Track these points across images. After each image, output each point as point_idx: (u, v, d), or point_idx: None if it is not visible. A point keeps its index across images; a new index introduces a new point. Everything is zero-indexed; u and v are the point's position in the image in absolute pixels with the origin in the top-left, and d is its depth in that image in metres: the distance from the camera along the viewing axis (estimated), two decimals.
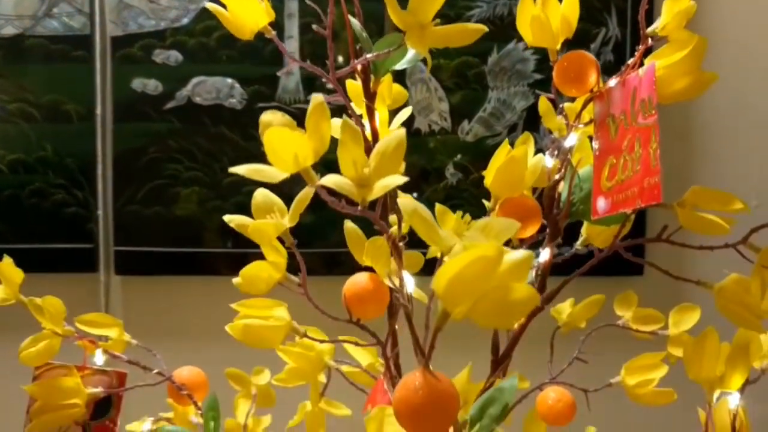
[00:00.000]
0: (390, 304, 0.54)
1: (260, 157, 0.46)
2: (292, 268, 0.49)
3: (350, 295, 0.51)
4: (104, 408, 0.57)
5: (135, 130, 0.99)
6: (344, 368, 0.65)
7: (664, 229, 0.52)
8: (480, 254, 0.31)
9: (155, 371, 0.60)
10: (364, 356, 0.66)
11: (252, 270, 0.48)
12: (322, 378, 0.67)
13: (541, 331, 0.63)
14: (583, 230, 0.59)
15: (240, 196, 0.97)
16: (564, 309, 0.71)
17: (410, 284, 0.44)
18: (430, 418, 0.36)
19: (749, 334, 0.54)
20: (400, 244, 0.41)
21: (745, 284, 0.50)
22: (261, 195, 0.48)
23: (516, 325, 0.57)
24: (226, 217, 0.45)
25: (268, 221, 0.45)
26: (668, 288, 0.66)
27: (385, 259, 0.50)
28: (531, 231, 0.57)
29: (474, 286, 0.32)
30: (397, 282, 0.51)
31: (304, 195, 0.43)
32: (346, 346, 0.65)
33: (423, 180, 1.04)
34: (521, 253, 0.32)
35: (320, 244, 0.94)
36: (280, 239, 0.50)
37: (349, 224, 0.52)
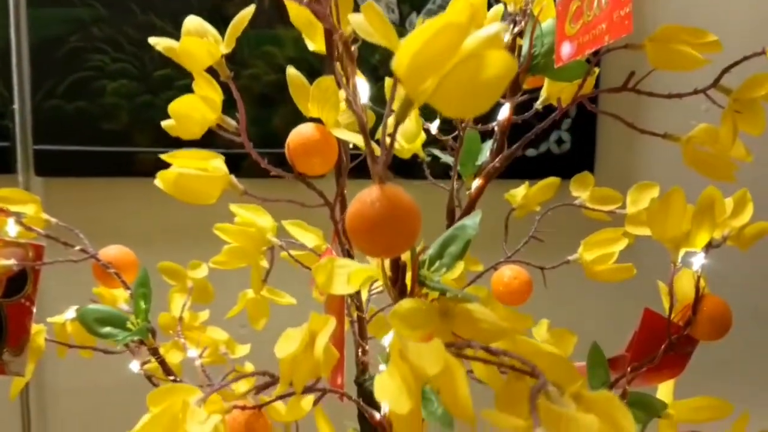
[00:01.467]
0: (338, 160, 0.50)
1: None
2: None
3: (294, 146, 0.46)
4: (19, 285, 0.51)
5: (53, 16, 0.90)
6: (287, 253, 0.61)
7: (630, 77, 0.49)
8: (447, 22, 0.27)
9: (78, 248, 0.55)
10: (310, 238, 0.61)
11: (182, 107, 0.42)
12: (264, 263, 0.62)
13: (495, 216, 0.60)
14: (544, 89, 0.55)
15: (173, 91, 0.90)
16: (519, 192, 0.68)
17: (364, 93, 0.40)
18: (389, 232, 0.31)
19: (714, 194, 0.52)
20: (353, 47, 0.36)
21: (713, 133, 0.48)
22: (193, 21, 0.42)
23: (473, 188, 0.54)
24: (152, 40, 0.40)
25: (200, 40, 0.39)
26: (619, 185, 0.64)
27: (332, 103, 0.46)
28: None
29: (440, 61, 0.27)
30: (345, 135, 0.46)
31: (246, 13, 0.38)
32: (290, 227, 0.61)
33: None
34: (494, 25, 0.28)
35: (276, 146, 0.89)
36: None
37: (291, 70, 0.47)
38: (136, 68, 0.90)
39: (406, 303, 0.36)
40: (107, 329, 0.52)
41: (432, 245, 0.39)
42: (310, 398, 0.67)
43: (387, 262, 0.38)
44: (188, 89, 0.45)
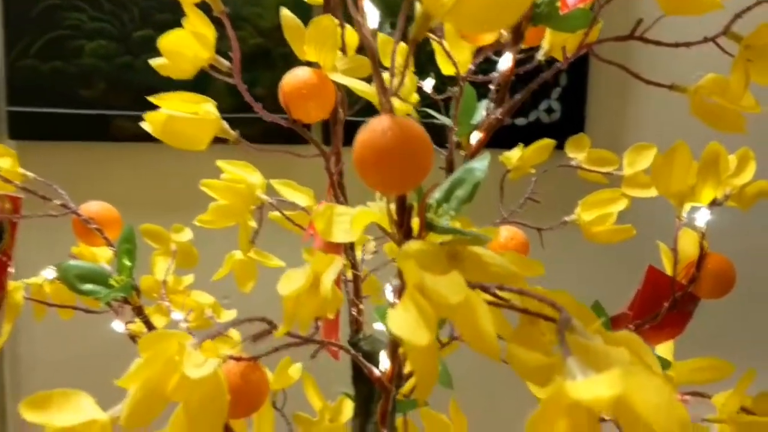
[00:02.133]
0: (334, 108, 0.47)
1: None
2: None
3: (289, 90, 0.44)
4: None
5: None
6: (278, 211, 0.59)
7: (638, 25, 0.47)
8: None
9: (58, 202, 0.52)
10: (300, 198, 0.59)
11: (174, 43, 0.40)
12: (252, 223, 0.60)
13: (487, 184, 0.58)
14: (546, 41, 0.53)
15: (153, 53, 0.86)
16: (513, 155, 0.67)
17: (373, 18, 0.37)
18: (401, 163, 0.30)
19: (718, 149, 0.51)
20: None
21: (722, 83, 0.46)
22: None
23: (474, 141, 0.52)
24: None
25: None
26: (611, 146, 0.63)
27: (330, 45, 0.44)
28: (490, 37, 0.51)
29: None
30: (344, 79, 0.44)
31: None
32: (279, 186, 0.59)
33: None
34: None
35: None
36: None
37: (285, 11, 0.45)
38: (115, 28, 0.87)
39: (414, 244, 0.34)
40: (89, 286, 0.49)
41: (438, 189, 0.37)
42: (298, 366, 0.66)
43: (392, 206, 0.36)
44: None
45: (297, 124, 0.45)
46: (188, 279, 0.65)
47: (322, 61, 0.44)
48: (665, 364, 0.50)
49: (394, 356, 0.44)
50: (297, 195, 0.59)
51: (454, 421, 0.63)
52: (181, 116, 0.41)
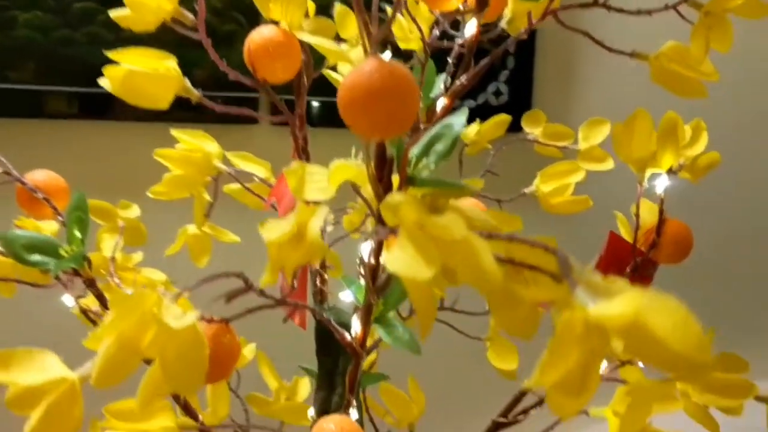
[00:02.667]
0: (299, 72, 0.46)
1: None
2: None
3: (256, 48, 0.42)
4: None
5: None
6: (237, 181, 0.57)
7: None
8: None
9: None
10: (258, 169, 0.58)
11: None
12: (206, 195, 0.58)
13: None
14: (509, 9, 0.53)
15: (94, 26, 0.83)
16: (471, 130, 0.67)
17: None
18: (390, 105, 0.29)
19: (675, 118, 0.52)
20: None
21: (682, 50, 0.47)
22: None
23: (439, 108, 0.51)
24: None
25: None
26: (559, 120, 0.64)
27: (297, 3, 0.42)
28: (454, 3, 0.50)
29: None
30: (311, 38, 0.43)
31: None
32: (235, 159, 0.57)
33: None
34: None
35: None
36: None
37: None
38: None
39: (398, 195, 0.34)
40: (37, 257, 0.46)
41: (416, 145, 0.36)
42: (252, 347, 0.64)
43: (371, 162, 0.35)
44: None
45: (262, 84, 0.43)
46: (137, 257, 0.63)
47: (288, 20, 0.43)
48: None
49: (366, 320, 0.43)
50: (254, 167, 0.57)
51: (413, 397, 0.63)
52: (141, 71, 0.39)
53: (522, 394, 0.51)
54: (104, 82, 0.40)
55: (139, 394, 0.30)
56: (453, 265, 0.26)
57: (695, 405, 0.45)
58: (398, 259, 0.25)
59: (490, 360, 0.60)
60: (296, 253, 0.29)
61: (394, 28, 0.57)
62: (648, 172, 0.50)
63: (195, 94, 0.43)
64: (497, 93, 0.95)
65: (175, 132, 0.53)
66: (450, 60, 0.54)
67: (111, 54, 0.39)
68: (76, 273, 0.48)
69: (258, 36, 0.42)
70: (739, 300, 1.18)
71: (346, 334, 0.43)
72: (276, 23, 0.43)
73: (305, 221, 0.31)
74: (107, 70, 0.39)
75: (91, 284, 0.49)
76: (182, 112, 0.94)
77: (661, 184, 0.51)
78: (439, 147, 0.36)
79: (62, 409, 0.28)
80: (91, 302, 0.50)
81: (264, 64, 0.42)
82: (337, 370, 0.50)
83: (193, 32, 0.40)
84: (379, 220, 0.36)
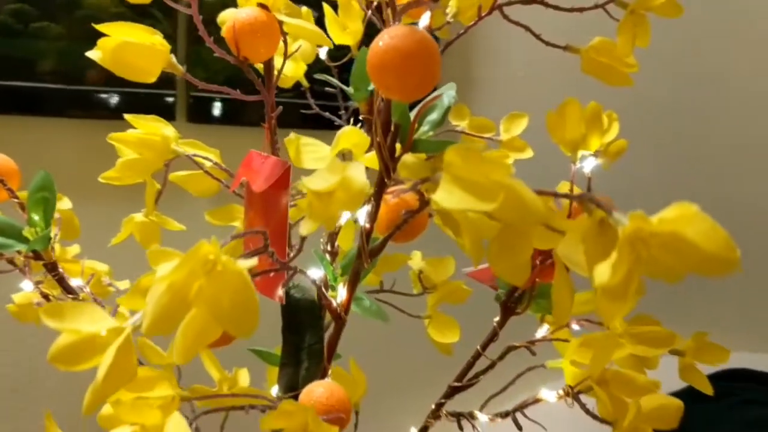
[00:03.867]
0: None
1: None
2: None
3: (241, 26, 0.44)
4: None
5: None
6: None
7: None
8: None
9: None
10: (210, 154, 0.58)
11: None
12: (156, 183, 0.58)
13: None
14: (453, 3, 0.58)
15: (1, 15, 0.78)
16: None
17: None
18: (422, 65, 0.32)
19: (598, 108, 0.58)
20: None
21: (609, 44, 0.54)
22: None
23: None
24: None
25: None
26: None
27: None
28: None
29: None
30: (292, 20, 0.45)
31: None
32: (186, 147, 0.57)
33: None
34: None
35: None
36: None
37: None
38: None
39: (409, 157, 0.37)
40: (2, 239, 0.45)
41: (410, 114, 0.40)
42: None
43: (379, 129, 0.38)
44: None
45: (244, 62, 0.45)
46: (75, 249, 0.61)
47: (270, 2, 0.45)
48: None
49: (353, 286, 0.45)
50: (206, 152, 0.58)
51: (356, 377, 0.65)
52: (134, 43, 0.40)
53: (474, 359, 0.55)
54: (94, 54, 0.40)
55: (179, 346, 0.31)
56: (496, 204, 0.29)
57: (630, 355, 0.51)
58: (454, 198, 0.28)
59: (431, 335, 0.63)
60: (336, 204, 0.31)
61: (329, 24, 0.59)
62: (578, 154, 0.56)
63: (179, 69, 0.43)
64: None
65: (128, 117, 0.53)
66: None
67: (100, 27, 0.40)
68: (36, 257, 0.47)
69: (242, 15, 0.44)
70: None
71: (333, 302, 0.45)
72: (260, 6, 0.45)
73: (345, 174, 0.33)
74: (100, 42, 0.39)
75: (52, 268, 0.47)
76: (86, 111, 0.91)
77: (589, 164, 0.57)
78: (433, 116, 0.40)
79: (124, 357, 0.28)
80: (51, 287, 0.48)
81: (248, 42, 0.44)
82: (303, 345, 0.52)
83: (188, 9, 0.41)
84: (382, 184, 0.39)
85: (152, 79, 0.42)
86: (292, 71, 0.61)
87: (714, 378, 0.79)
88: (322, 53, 0.65)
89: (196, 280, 0.30)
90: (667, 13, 0.51)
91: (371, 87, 0.63)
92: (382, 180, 0.39)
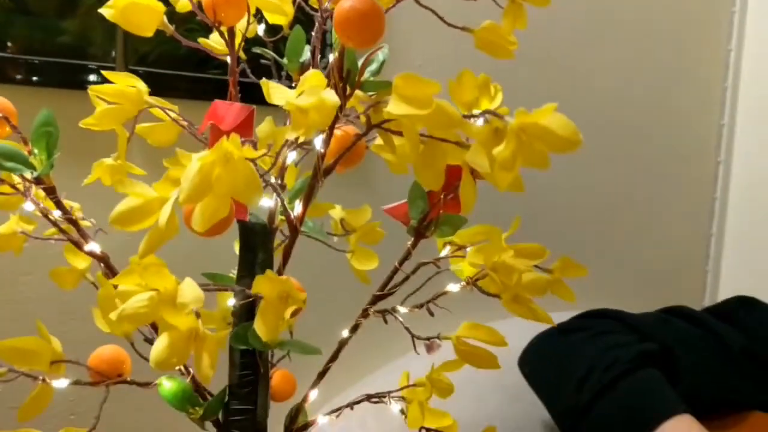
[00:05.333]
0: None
1: None
2: None
3: None
4: None
5: None
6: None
7: None
8: None
9: None
10: (172, 110, 0.69)
11: None
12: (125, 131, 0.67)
13: None
14: None
15: None
16: None
17: None
18: (375, 22, 0.45)
19: (487, 77, 0.74)
20: None
21: (497, 27, 0.69)
22: None
23: None
24: None
25: None
26: None
27: None
28: None
29: None
30: None
31: None
32: (151, 99, 0.67)
33: None
34: None
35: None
36: None
37: None
38: None
39: (358, 93, 0.50)
40: (12, 164, 0.54)
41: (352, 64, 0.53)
42: None
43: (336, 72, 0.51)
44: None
45: (218, 26, 0.57)
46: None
47: None
48: (462, 221, 0.71)
49: (307, 202, 0.58)
50: (168, 106, 0.68)
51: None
52: (137, 3, 0.51)
53: (393, 274, 0.69)
54: (106, 11, 0.50)
55: (198, 219, 0.42)
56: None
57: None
58: (400, 107, 0.42)
59: (353, 265, 0.77)
60: (313, 117, 0.44)
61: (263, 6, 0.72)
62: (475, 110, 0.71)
63: (170, 28, 0.55)
64: None
65: (105, 73, 0.63)
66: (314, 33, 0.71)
67: None
68: (37, 182, 0.56)
69: None
70: None
71: (291, 214, 0.57)
72: None
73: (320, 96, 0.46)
74: (113, 1, 0.50)
75: (52, 191, 0.57)
76: None
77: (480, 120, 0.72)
78: (373, 67, 0.53)
79: (172, 216, 0.40)
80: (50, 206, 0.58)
81: (223, 9, 0.56)
82: (257, 261, 0.64)
83: None
84: (335, 117, 0.52)
85: (150, 34, 0.53)
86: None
87: (578, 317, 1.00)
88: (260, 30, 0.77)
89: (217, 168, 0.42)
90: (540, 3, 0.67)
91: (302, 59, 0.76)
92: (336, 114, 0.52)
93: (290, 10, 0.72)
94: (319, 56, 0.67)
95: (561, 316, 0.99)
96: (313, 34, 0.70)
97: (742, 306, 1.05)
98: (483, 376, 1.18)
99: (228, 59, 0.62)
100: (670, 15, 1.69)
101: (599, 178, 1.61)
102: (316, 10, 0.68)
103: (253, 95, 0.77)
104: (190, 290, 0.45)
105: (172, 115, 0.67)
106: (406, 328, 0.62)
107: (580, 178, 1.57)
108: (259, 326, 0.48)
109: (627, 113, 1.64)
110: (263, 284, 0.48)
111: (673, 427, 0.87)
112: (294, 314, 0.52)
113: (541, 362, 1.01)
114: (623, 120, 1.64)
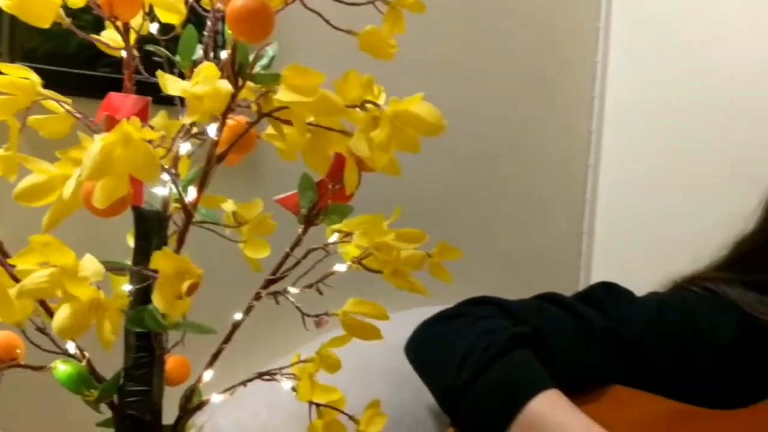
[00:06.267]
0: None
1: None
2: None
3: None
4: None
5: None
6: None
7: None
8: None
9: None
10: (64, 100, 0.70)
11: None
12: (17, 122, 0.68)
13: None
14: None
15: None
16: None
17: None
18: (266, 19, 0.50)
19: (371, 78, 0.80)
20: None
21: (378, 31, 0.75)
22: None
23: None
24: None
25: None
26: None
27: None
28: None
29: None
30: None
31: None
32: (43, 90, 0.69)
33: None
34: None
35: None
36: None
37: None
38: None
39: (249, 84, 0.55)
40: None
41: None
42: None
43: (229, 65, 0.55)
44: None
45: (114, 19, 0.59)
46: None
47: None
48: (348, 209, 0.76)
49: (201, 187, 0.61)
50: (62, 98, 0.70)
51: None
52: None
53: (284, 259, 0.73)
54: (2, 2, 0.52)
55: (98, 195, 0.46)
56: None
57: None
58: (288, 95, 0.46)
59: (246, 253, 0.80)
60: (207, 103, 0.48)
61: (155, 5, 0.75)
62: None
63: (66, 20, 0.57)
64: None
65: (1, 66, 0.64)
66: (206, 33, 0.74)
67: None
68: None
69: None
70: None
71: (186, 200, 0.61)
72: None
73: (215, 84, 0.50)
74: None
75: None
76: None
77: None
78: (264, 61, 0.58)
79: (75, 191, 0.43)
80: None
81: (119, 6, 0.59)
82: (151, 247, 0.67)
83: None
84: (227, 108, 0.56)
85: (47, 25, 0.55)
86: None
87: (460, 305, 1.08)
88: (153, 29, 0.79)
89: (118, 148, 0.45)
90: (416, 10, 0.74)
91: (195, 56, 0.79)
92: (228, 103, 0.56)
93: (183, 9, 0.76)
94: (211, 54, 0.71)
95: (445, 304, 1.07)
96: (205, 33, 0.74)
97: (604, 290, 1.15)
98: (373, 363, 1.24)
99: (123, 54, 0.64)
100: (538, 33, 1.83)
101: (483, 181, 1.72)
102: (208, 11, 0.72)
103: (145, 94, 0.80)
104: (91, 264, 0.48)
105: (66, 107, 0.69)
106: (297, 307, 0.66)
107: (465, 179, 1.66)
108: (157, 299, 0.51)
109: (510, 119, 1.76)
110: (161, 260, 0.52)
111: (542, 401, 0.96)
112: (191, 291, 0.56)
113: (425, 347, 1.08)
114: (506, 126, 1.76)
